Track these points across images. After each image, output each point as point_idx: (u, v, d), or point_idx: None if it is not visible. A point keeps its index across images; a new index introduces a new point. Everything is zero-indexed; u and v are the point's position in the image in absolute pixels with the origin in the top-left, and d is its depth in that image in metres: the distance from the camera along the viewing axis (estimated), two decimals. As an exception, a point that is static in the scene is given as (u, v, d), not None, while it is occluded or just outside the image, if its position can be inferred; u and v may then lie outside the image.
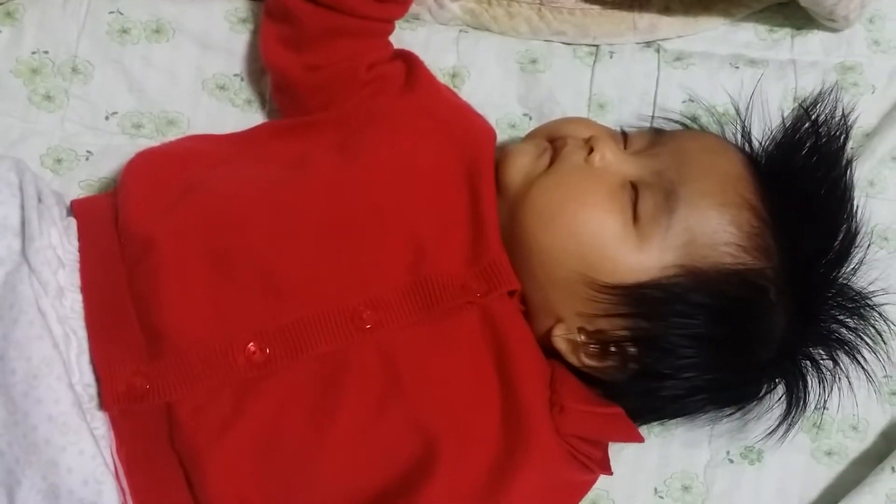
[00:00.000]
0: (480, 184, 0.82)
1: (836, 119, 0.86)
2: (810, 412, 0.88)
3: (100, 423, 0.75)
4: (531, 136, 0.89)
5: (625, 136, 0.86)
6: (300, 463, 0.74)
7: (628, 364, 0.80)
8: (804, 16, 0.98)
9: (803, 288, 0.82)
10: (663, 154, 0.82)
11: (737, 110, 0.94)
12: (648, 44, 0.99)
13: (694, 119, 0.95)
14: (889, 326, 0.88)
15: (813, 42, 1.00)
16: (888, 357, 0.89)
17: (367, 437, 0.75)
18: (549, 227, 0.80)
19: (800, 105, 0.91)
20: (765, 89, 0.95)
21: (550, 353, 0.82)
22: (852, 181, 0.86)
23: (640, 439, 0.83)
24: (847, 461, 0.93)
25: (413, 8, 0.93)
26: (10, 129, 0.92)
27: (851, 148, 0.88)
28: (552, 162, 0.82)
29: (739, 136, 0.90)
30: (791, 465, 0.92)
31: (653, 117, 0.96)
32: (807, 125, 0.86)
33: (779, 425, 0.87)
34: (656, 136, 0.86)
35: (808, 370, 0.86)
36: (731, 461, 0.92)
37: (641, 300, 0.78)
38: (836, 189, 0.85)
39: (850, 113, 0.88)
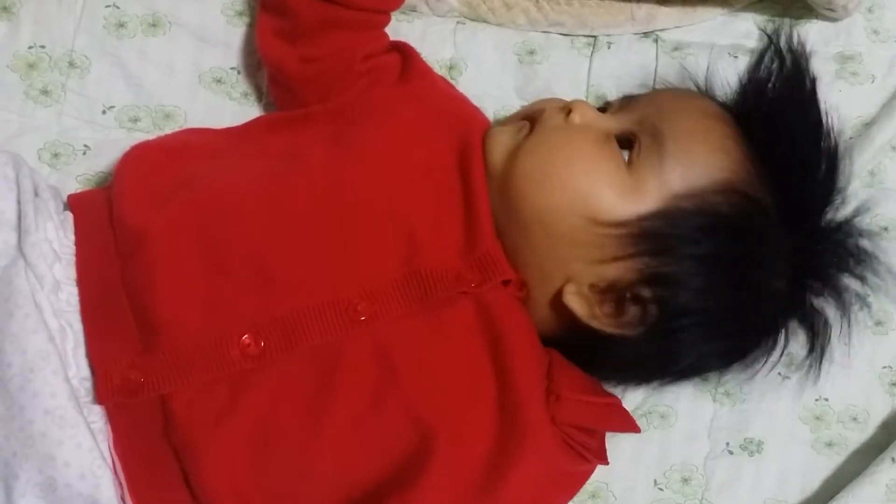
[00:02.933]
0: (471, 174, 0.82)
1: (795, 46, 0.88)
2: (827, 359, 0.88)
3: (97, 416, 0.75)
4: (509, 119, 0.90)
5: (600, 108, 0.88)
6: (295, 455, 0.74)
7: (644, 311, 0.79)
8: (803, 6, 0.97)
9: (798, 215, 0.83)
10: (639, 107, 0.85)
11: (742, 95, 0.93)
12: (646, 34, 0.98)
13: None
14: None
15: (812, 32, 0.99)
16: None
17: (362, 430, 0.75)
18: (543, 185, 0.80)
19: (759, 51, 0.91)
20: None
21: (548, 342, 0.82)
22: (822, 103, 0.87)
23: (636, 429, 0.83)
24: (847, 452, 0.92)
25: (409, 0, 0.93)
26: (8, 124, 0.92)
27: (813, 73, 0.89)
28: (532, 131, 0.83)
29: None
30: (791, 457, 0.91)
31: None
32: (767, 59, 0.88)
33: (806, 358, 0.87)
34: (628, 100, 0.88)
35: (821, 309, 0.86)
36: (731, 453, 0.91)
37: (646, 234, 0.78)
38: (808, 111, 0.86)
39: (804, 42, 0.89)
